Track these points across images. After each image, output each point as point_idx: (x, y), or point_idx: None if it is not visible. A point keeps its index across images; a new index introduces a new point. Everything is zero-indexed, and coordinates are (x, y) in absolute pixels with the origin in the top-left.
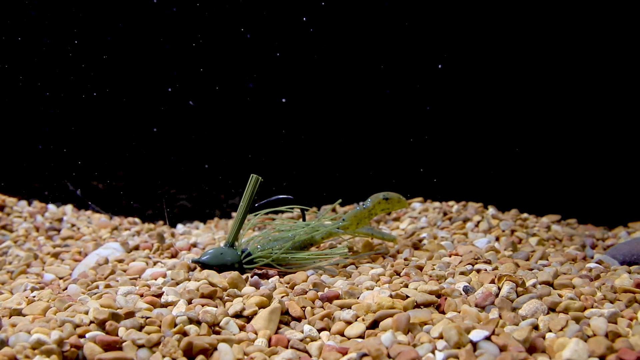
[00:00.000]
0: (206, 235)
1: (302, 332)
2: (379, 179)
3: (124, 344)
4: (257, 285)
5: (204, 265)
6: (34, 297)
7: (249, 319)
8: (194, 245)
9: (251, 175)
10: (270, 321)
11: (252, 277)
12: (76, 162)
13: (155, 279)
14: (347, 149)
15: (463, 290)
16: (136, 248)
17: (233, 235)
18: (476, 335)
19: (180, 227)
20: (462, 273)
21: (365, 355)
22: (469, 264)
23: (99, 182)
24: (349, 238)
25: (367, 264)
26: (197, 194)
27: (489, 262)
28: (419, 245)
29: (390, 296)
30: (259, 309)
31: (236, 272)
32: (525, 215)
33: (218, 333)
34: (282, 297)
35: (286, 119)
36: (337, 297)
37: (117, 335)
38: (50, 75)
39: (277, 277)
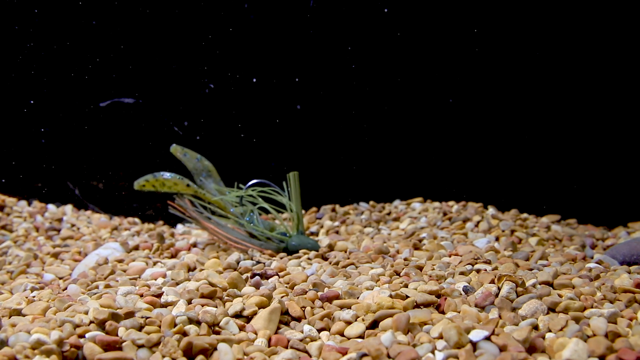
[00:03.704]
0: (206, 235)
1: (302, 332)
2: (377, 178)
3: (123, 344)
4: (257, 286)
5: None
6: (34, 297)
7: (248, 319)
8: (194, 245)
9: (289, 174)
10: (270, 321)
11: (252, 277)
12: (76, 162)
13: (155, 279)
14: (346, 149)
15: (463, 290)
16: (136, 248)
17: (300, 224)
18: (476, 335)
19: (180, 227)
20: (462, 273)
21: (365, 355)
22: (468, 264)
23: (98, 181)
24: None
25: (367, 264)
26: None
27: (488, 262)
28: (419, 245)
29: (390, 296)
30: (259, 309)
31: (235, 272)
32: (525, 215)
33: (218, 333)
34: (282, 297)
35: (281, 116)
36: (337, 297)
37: (116, 335)
38: (48, 74)
39: (277, 277)
